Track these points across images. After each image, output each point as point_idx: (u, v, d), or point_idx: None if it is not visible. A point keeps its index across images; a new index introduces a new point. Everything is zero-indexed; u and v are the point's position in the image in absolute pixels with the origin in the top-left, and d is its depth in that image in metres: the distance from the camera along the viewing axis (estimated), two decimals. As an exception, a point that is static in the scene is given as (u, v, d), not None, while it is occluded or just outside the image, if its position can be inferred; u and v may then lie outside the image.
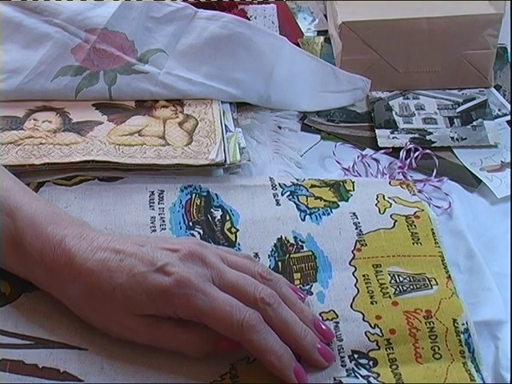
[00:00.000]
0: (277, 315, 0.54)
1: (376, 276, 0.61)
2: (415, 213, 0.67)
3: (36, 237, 0.56)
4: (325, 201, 0.68)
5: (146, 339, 0.55)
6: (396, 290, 0.60)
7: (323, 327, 0.57)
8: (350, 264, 0.63)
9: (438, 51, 0.84)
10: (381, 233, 0.65)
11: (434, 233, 0.65)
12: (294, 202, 0.68)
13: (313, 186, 0.70)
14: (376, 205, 0.67)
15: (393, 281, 0.61)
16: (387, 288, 0.60)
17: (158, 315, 0.54)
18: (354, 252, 0.63)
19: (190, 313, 0.54)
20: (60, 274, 0.55)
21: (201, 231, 0.65)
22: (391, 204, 0.67)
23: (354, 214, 0.66)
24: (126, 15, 0.77)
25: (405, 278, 0.61)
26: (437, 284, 0.61)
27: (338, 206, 0.67)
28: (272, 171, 0.74)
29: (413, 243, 0.64)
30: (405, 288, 0.60)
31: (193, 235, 0.64)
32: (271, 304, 0.55)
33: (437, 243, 0.64)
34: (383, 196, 0.68)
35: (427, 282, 0.61)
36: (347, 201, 0.68)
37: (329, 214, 0.67)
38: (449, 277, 0.61)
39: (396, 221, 0.66)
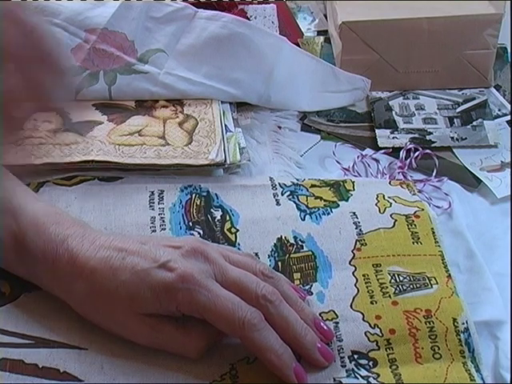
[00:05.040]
0: (278, 312, 0.55)
1: (376, 275, 0.61)
2: (415, 212, 0.67)
3: (38, 236, 0.56)
4: (325, 200, 0.68)
5: (146, 340, 0.55)
6: (396, 289, 0.60)
7: (323, 327, 0.57)
8: (349, 264, 0.63)
9: (438, 51, 0.84)
10: (381, 232, 0.65)
11: (434, 232, 0.65)
12: (294, 202, 0.68)
13: (313, 185, 0.70)
14: (376, 204, 0.67)
15: (393, 280, 0.61)
16: (387, 288, 0.60)
17: (159, 314, 0.55)
18: (354, 251, 0.63)
19: (192, 308, 0.54)
20: (62, 273, 0.55)
21: (201, 231, 0.65)
22: (391, 203, 0.67)
23: (353, 213, 0.66)
24: (126, 15, 0.77)
25: (405, 278, 0.61)
26: (437, 283, 0.61)
27: (338, 205, 0.67)
28: (272, 171, 0.74)
29: (413, 242, 0.64)
30: (405, 287, 0.60)
31: (193, 235, 0.64)
32: (273, 301, 0.55)
33: (437, 242, 0.64)
34: (383, 195, 0.68)
35: (427, 281, 0.61)
36: (347, 200, 0.68)
37: (329, 213, 0.67)
38: (449, 276, 0.61)
39: (396, 220, 0.66)
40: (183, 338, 0.55)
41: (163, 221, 0.65)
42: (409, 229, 0.65)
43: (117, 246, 0.56)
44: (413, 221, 0.66)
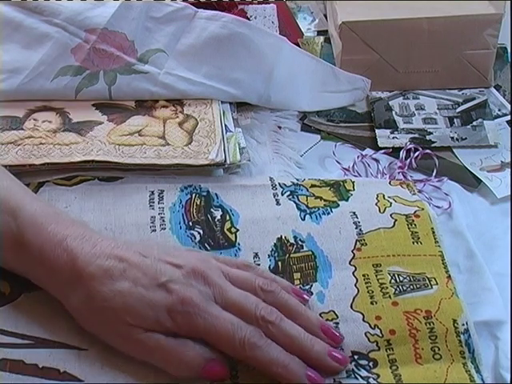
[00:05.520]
0: (279, 331, 0.54)
1: (376, 276, 0.61)
2: (415, 212, 0.67)
3: (36, 235, 0.56)
4: (325, 200, 0.68)
5: (139, 353, 0.54)
6: (396, 289, 0.60)
7: (332, 331, 0.56)
8: (349, 264, 0.62)
9: (438, 51, 0.84)
10: (381, 232, 0.65)
11: (434, 232, 0.65)
12: (294, 202, 0.68)
13: (313, 185, 0.70)
14: (376, 204, 0.67)
15: (393, 280, 0.61)
16: (387, 288, 0.60)
17: (155, 330, 0.54)
18: (354, 251, 0.63)
19: (191, 330, 0.54)
20: (60, 273, 0.55)
21: (201, 231, 0.65)
22: (391, 203, 0.67)
23: (354, 213, 0.66)
24: (126, 15, 0.77)
25: (405, 278, 0.61)
26: (437, 284, 0.61)
27: (338, 205, 0.67)
28: (272, 171, 0.74)
29: (413, 242, 0.64)
30: (405, 288, 0.60)
31: (193, 235, 0.64)
32: (272, 321, 0.54)
33: (437, 242, 0.64)
34: (383, 195, 0.68)
35: (427, 281, 0.61)
36: (347, 200, 0.68)
37: (329, 213, 0.66)
38: (449, 276, 0.61)
39: (396, 220, 0.66)
40: (177, 353, 0.54)
41: (163, 220, 0.65)
42: (409, 228, 0.65)
43: (118, 255, 0.55)
44: (413, 220, 0.66)
